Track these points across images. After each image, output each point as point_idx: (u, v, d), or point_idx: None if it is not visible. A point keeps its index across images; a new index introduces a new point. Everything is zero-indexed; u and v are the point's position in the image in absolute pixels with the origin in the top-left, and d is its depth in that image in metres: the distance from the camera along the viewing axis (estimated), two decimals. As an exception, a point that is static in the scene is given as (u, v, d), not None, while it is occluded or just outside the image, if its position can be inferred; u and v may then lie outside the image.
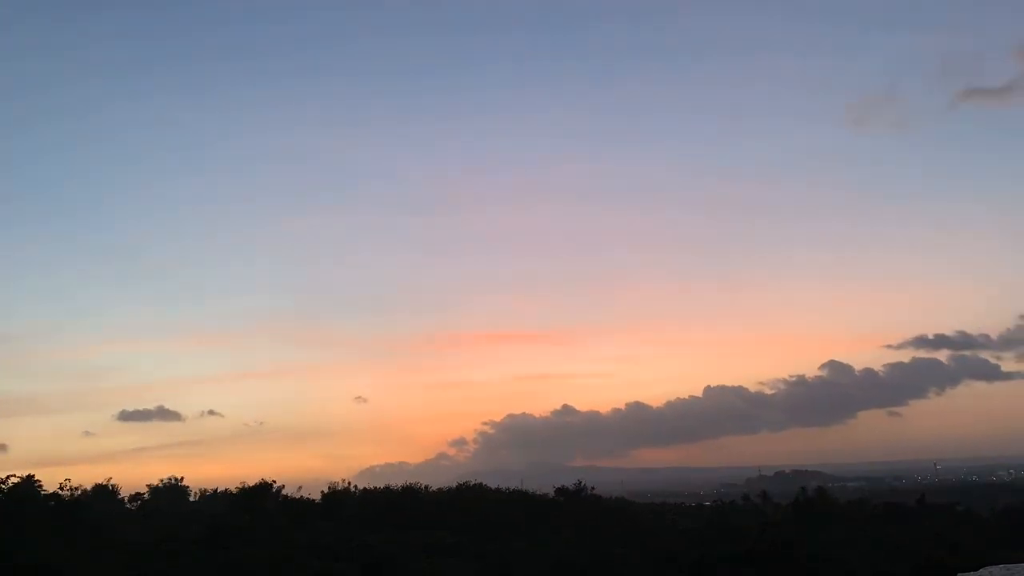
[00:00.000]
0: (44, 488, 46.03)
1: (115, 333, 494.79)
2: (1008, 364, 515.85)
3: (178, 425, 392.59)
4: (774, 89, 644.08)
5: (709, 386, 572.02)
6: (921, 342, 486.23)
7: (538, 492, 68.02)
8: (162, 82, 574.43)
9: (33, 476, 46.27)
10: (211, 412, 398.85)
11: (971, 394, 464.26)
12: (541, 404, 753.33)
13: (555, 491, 64.12)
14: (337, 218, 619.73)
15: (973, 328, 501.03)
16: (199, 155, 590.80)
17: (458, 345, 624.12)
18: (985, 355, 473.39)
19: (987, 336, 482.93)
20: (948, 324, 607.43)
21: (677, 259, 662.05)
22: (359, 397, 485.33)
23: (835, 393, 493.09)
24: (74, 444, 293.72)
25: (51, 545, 32.67)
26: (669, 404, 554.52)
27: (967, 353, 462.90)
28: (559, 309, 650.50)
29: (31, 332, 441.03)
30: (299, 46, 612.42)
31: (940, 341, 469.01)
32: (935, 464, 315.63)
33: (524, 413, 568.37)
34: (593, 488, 64.66)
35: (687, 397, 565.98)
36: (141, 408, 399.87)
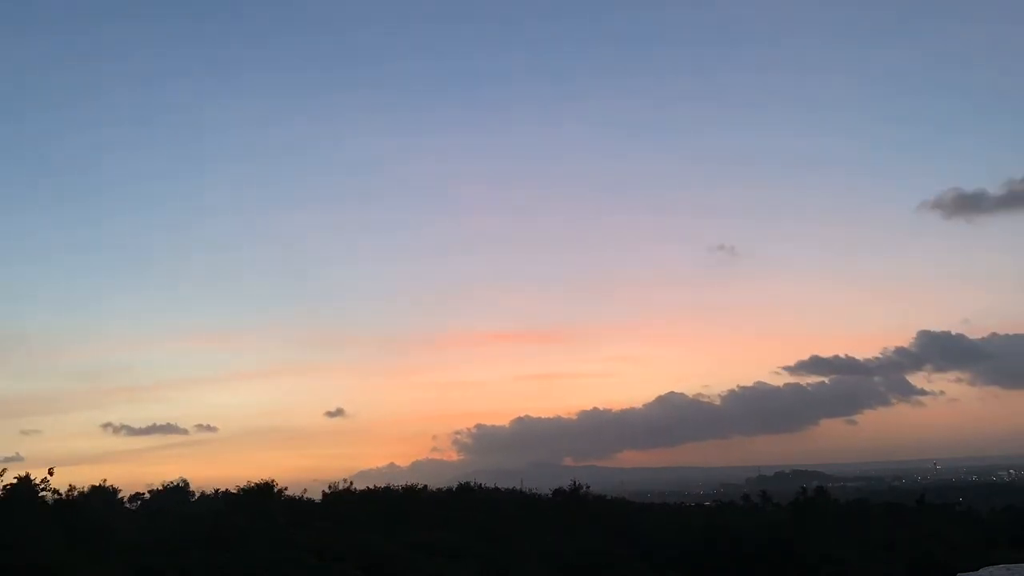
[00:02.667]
0: (44, 488, 45.94)
1: (116, 333, 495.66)
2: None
3: (179, 425, 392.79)
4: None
5: (707, 385, 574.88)
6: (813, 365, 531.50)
7: (536, 492, 67.96)
8: (168, 77, 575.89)
9: (31, 476, 46.21)
10: (212, 412, 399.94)
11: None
12: (537, 404, 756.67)
13: (554, 491, 64.08)
14: (339, 217, 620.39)
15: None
16: (199, 154, 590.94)
17: (456, 345, 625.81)
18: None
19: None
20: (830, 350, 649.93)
21: (675, 259, 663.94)
22: (358, 398, 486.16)
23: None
24: (74, 444, 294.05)
25: (51, 545, 32.62)
26: (668, 403, 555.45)
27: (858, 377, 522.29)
28: (557, 309, 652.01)
29: (33, 332, 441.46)
30: (306, 44, 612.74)
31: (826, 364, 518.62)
32: (935, 464, 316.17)
33: (520, 413, 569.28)
34: (591, 488, 64.62)
35: (687, 396, 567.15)
36: (142, 408, 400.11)
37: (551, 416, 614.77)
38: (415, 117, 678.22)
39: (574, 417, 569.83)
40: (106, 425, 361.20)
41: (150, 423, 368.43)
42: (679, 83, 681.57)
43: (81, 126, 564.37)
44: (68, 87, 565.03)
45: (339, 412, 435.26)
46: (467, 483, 64.29)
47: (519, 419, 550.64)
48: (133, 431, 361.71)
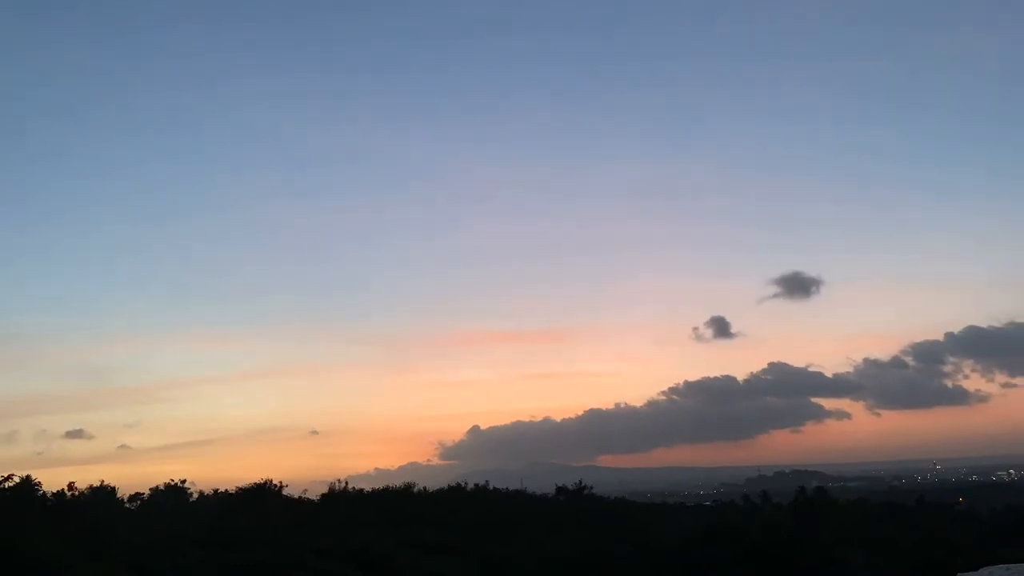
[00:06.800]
0: (44, 488, 45.91)
1: (117, 332, 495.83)
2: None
3: (179, 425, 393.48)
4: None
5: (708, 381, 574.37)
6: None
7: (536, 492, 67.94)
8: (167, 76, 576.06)
9: (32, 476, 46.18)
10: (212, 412, 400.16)
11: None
12: (535, 404, 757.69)
13: (555, 491, 64.08)
14: (341, 219, 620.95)
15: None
16: (202, 156, 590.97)
17: (455, 345, 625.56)
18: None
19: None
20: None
21: (673, 258, 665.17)
22: (357, 398, 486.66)
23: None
24: (75, 444, 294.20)
25: (51, 545, 32.60)
26: (665, 402, 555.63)
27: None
28: (557, 309, 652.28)
29: (33, 331, 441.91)
30: (310, 44, 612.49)
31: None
32: (935, 464, 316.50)
33: (520, 412, 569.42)
34: (592, 487, 64.61)
35: (684, 396, 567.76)
36: (141, 407, 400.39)
37: (546, 417, 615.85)
38: (416, 119, 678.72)
39: (570, 418, 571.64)
40: (106, 425, 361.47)
41: (149, 423, 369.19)
42: (681, 92, 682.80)
43: (85, 129, 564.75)
44: (73, 91, 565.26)
45: (337, 414, 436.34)
46: (466, 483, 64.31)
47: (552, 410, 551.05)
48: (133, 431, 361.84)
